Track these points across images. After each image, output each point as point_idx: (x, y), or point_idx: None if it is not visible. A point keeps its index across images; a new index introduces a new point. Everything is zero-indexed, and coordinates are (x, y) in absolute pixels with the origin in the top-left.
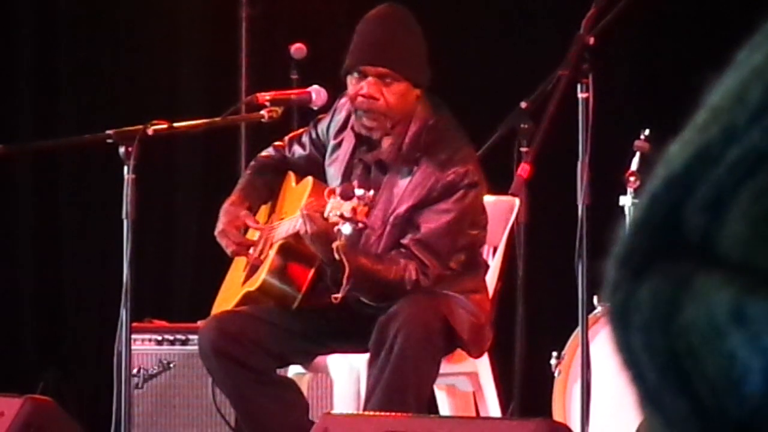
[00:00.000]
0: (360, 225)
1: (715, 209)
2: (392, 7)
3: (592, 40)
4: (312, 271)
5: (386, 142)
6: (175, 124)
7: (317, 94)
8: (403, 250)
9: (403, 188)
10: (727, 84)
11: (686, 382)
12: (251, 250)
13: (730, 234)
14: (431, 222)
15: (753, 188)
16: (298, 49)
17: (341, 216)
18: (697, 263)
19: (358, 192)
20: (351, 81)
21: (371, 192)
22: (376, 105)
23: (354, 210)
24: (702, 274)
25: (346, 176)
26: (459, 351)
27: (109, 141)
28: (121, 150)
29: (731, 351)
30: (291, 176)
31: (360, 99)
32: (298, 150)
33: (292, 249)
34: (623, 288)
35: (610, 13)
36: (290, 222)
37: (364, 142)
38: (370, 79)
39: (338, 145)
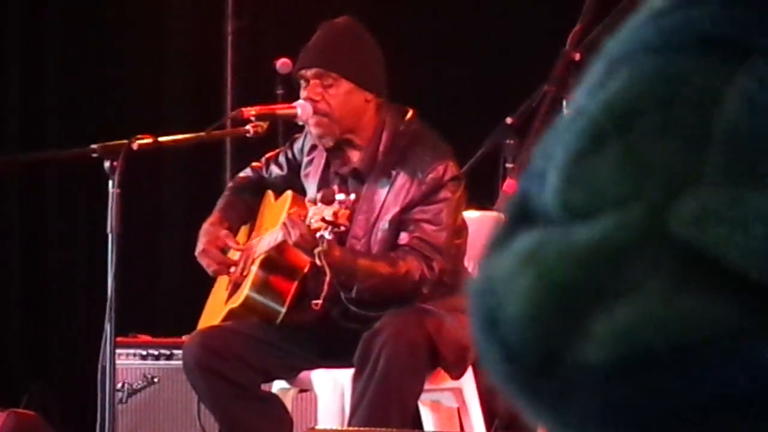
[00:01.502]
0: (342, 228)
1: (542, 176)
2: (342, 18)
3: (578, 56)
4: (295, 283)
5: (355, 155)
6: (161, 139)
7: (303, 109)
8: (405, 248)
9: (385, 195)
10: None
11: (496, 329)
12: (233, 269)
13: (549, 189)
14: (426, 219)
15: (563, 142)
16: (283, 64)
17: (323, 220)
18: (526, 228)
19: (339, 197)
20: (300, 93)
21: (352, 196)
22: (317, 106)
23: (335, 214)
24: (519, 233)
25: (325, 189)
26: (440, 372)
27: (95, 155)
28: (106, 164)
29: (523, 289)
30: (270, 194)
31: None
32: (275, 170)
33: (274, 262)
34: (475, 275)
35: (595, 28)
36: (271, 235)
37: (335, 157)
38: (310, 83)
39: (310, 162)
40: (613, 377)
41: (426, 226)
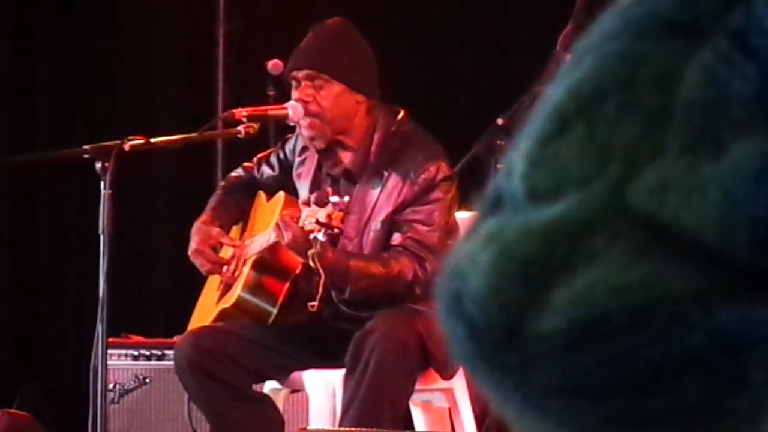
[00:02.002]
0: (336, 230)
1: (511, 169)
2: (334, 20)
3: (568, 57)
4: (287, 284)
5: (346, 156)
6: (152, 140)
7: (294, 110)
8: (399, 248)
9: (377, 196)
10: None
11: (460, 306)
12: (224, 269)
13: (515, 176)
14: (419, 219)
15: (530, 131)
16: (275, 65)
17: (317, 222)
18: (490, 216)
19: (333, 199)
20: (292, 94)
21: (346, 198)
22: (308, 108)
23: (329, 216)
24: (488, 218)
25: (314, 192)
26: (431, 372)
27: (86, 156)
28: (98, 165)
29: (484, 265)
30: (262, 194)
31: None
32: (266, 170)
33: (266, 263)
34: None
35: (586, 29)
36: (264, 236)
37: (327, 158)
38: (302, 84)
39: (302, 162)
40: (571, 345)
41: (418, 226)
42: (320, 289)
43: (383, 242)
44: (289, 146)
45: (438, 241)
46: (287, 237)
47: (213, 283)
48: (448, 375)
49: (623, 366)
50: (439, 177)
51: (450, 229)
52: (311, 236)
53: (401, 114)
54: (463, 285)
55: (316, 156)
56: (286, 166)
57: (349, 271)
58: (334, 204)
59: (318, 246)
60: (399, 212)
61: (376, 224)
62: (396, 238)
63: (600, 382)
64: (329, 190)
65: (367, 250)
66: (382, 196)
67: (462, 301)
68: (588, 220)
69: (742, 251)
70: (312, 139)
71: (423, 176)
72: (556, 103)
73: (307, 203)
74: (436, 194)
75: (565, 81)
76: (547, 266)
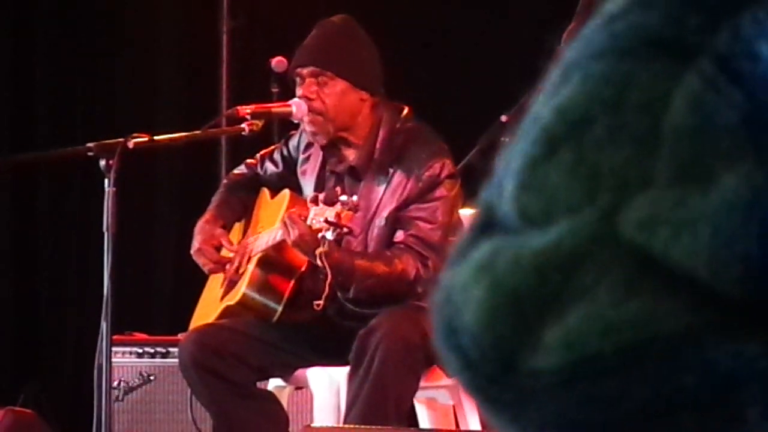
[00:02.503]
0: (345, 230)
1: (500, 183)
2: (338, 17)
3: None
4: (292, 282)
5: (350, 153)
6: (156, 137)
7: (298, 107)
8: (401, 246)
9: (382, 193)
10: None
11: (454, 338)
12: (228, 266)
13: (505, 197)
14: (422, 217)
15: (518, 149)
16: (279, 62)
17: (326, 221)
18: (483, 237)
19: (342, 198)
20: (296, 91)
21: (355, 197)
22: (312, 105)
23: (338, 215)
24: (479, 243)
25: (319, 189)
26: (436, 369)
27: (90, 154)
28: (102, 163)
29: (477, 297)
30: (266, 191)
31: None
32: (270, 167)
33: (271, 261)
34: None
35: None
36: (269, 234)
37: (331, 155)
38: (306, 81)
39: (307, 159)
40: (564, 383)
41: (421, 224)
42: (326, 288)
43: (387, 239)
44: (292, 143)
45: (441, 239)
46: (294, 235)
47: (216, 280)
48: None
49: (616, 405)
50: (443, 174)
51: (454, 226)
52: (319, 235)
53: (405, 111)
54: (456, 316)
55: (321, 153)
56: (289, 163)
57: (354, 270)
58: (343, 203)
59: (326, 245)
60: (403, 209)
61: (380, 221)
62: (399, 236)
63: (594, 419)
64: (338, 189)
65: (371, 246)
66: (387, 193)
67: (456, 332)
68: (578, 251)
69: (734, 287)
70: (314, 135)
71: (427, 173)
72: (544, 122)
73: (315, 201)
74: (440, 192)
75: (552, 99)
76: (540, 301)
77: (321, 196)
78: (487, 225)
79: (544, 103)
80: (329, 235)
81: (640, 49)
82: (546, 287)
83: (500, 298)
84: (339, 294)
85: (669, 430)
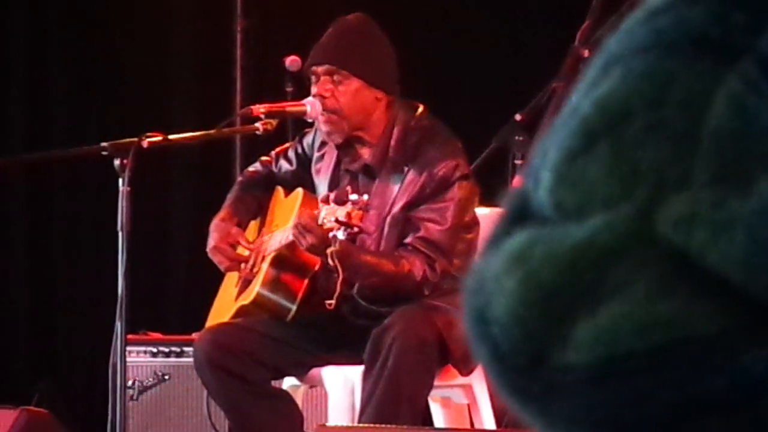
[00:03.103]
0: (355, 229)
1: (537, 173)
2: (354, 15)
3: (586, 53)
4: (306, 281)
5: (365, 152)
6: (170, 137)
7: (312, 106)
8: (409, 248)
9: (396, 192)
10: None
11: (485, 328)
12: (243, 265)
13: (542, 188)
14: (431, 218)
15: (556, 141)
16: (293, 61)
17: (336, 221)
18: (521, 227)
19: (353, 197)
20: (311, 90)
21: (365, 196)
22: (326, 103)
23: (349, 215)
24: (513, 232)
25: (333, 187)
26: (450, 368)
27: (104, 153)
28: (116, 162)
29: (510, 289)
30: (280, 190)
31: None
32: (284, 165)
33: (285, 260)
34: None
35: (604, 25)
36: (282, 233)
37: (345, 154)
38: (321, 79)
39: (321, 158)
40: (595, 379)
41: (430, 225)
42: (338, 288)
43: (399, 237)
44: (307, 141)
45: (449, 241)
46: (305, 243)
47: (231, 279)
48: (467, 371)
49: (646, 405)
50: (456, 175)
51: (468, 224)
52: (330, 234)
53: (420, 109)
54: (487, 306)
55: (335, 152)
56: (304, 161)
57: (360, 266)
58: (354, 202)
59: (337, 245)
60: (413, 208)
61: (393, 219)
62: (408, 238)
63: (623, 418)
64: (348, 188)
65: (384, 245)
66: (401, 192)
67: (487, 323)
68: (614, 247)
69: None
70: (329, 134)
71: (439, 174)
72: (583, 114)
73: (326, 201)
74: (451, 193)
75: (592, 91)
76: (572, 295)
77: (332, 196)
78: (520, 214)
79: (584, 95)
80: (340, 235)
81: (683, 46)
82: (579, 282)
83: (533, 291)
84: (339, 287)
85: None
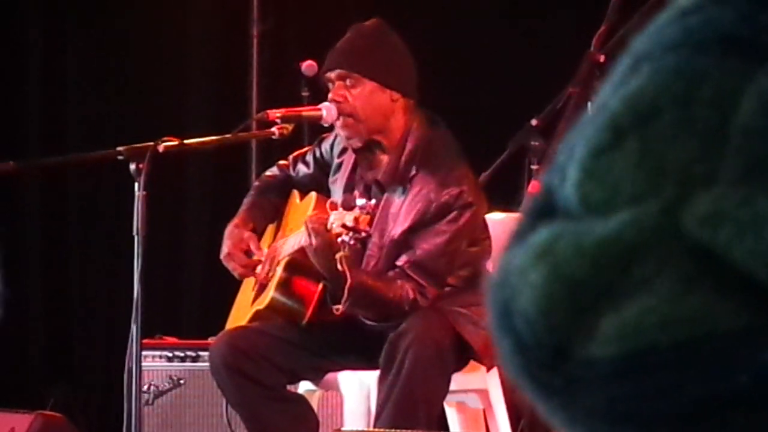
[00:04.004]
0: (363, 234)
1: (563, 168)
2: (370, 21)
3: (602, 58)
4: (320, 285)
5: (384, 159)
6: (186, 141)
7: (328, 111)
8: (403, 272)
9: (398, 209)
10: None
11: (509, 320)
12: (258, 269)
13: (569, 183)
14: (426, 243)
15: (584, 136)
16: (309, 66)
17: (344, 226)
18: (547, 221)
19: (359, 202)
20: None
21: (372, 201)
22: (342, 107)
23: (356, 219)
24: (539, 227)
25: (347, 195)
26: (471, 363)
27: (120, 158)
28: (132, 167)
29: (535, 282)
30: (295, 194)
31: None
32: (302, 169)
33: (298, 264)
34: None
35: (620, 30)
36: (295, 237)
37: (363, 159)
38: (335, 84)
39: (339, 166)
40: (617, 373)
41: (425, 251)
42: (345, 293)
43: (393, 258)
44: (325, 145)
45: (442, 269)
46: (314, 243)
47: (249, 284)
48: (489, 364)
49: (669, 399)
50: (458, 203)
51: (459, 255)
52: (339, 239)
53: (438, 124)
54: (512, 299)
55: (353, 159)
56: (322, 164)
57: (371, 293)
58: (361, 207)
59: (346, 249)
60: (412, 231)
61: (391, 240)
62: (402, 260)
63: (645, 412)
64: (356, 193)
65: (381, 263)
66: (403, 212)
67: (511, 315)
68: (639, 242)
69: None
70: (348, 138)
71: (442, 200)
72: (611, 111)
73: (335, 206)
74: (450, 220)
75: (621, 88)
76: (597, 289)
77: (339, 201)
78: (546, 209)
79: (613, 92)
80: (347, 239)
81: (713, 44)
82: (605, 276)
83: (558, 285)
84: (329, 301)
85: (718, 428)
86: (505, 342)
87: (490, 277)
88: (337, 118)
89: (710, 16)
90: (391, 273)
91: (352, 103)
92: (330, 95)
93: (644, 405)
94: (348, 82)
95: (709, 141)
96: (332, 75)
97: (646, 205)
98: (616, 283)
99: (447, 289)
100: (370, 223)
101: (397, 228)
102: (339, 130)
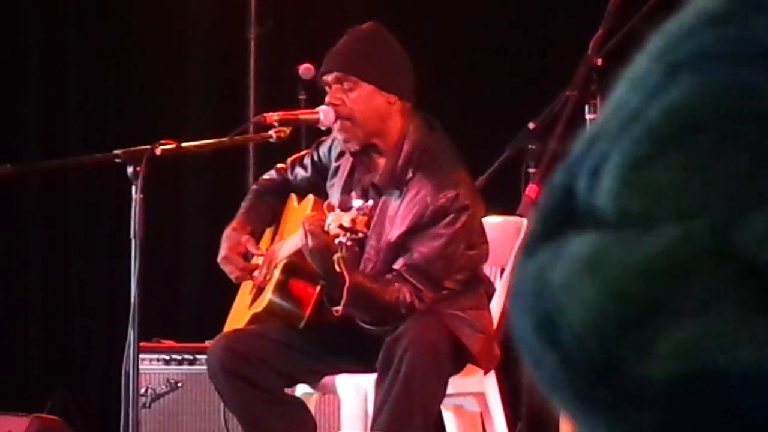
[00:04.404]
0: (360, 235)
1: (593, 175)
2: (367, 24)
3: (600, 61)
4: (317, 288)
5: (381, 162)
6: (183, 144)
7: (325, 114)
8: (399, 275)
9: (395, 212)
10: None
11: (554, 334)
12: (256, 273)
13: (604, 192)
14: (422, 247)
15: (621, 146)
16: (306, 69)
17: (341, 227)
18: (576, 228)
19: (356, 203)
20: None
21: (370, 202)
22: (338, 110)
23: (353, 221)
24: (575, 235)
25: (345, 196)
26: (468, 366)
27: (117, 161)
28: (129, 170)
29: (585, 297)
30: (293, 197)
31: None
32: (300, 172)
33: (296, 267)
34: (517, 270)
35: (618, 34)
36: (293, 240)
37: (361, 163)
38: (332, 88)
39: (336, 171)
40: (674, 392)
41: (422, 255)
42: (344, 294)
43: (390, 261)
44: (323, 149)
45: (439, 272)
46: (311, 244)
47: (247, 287)
48: (486, 367)
49: (728, 421)
50: (455, 207)
51: (456, 259)
52: (336, 240)
53: (435, 127)
54: (558, 313)
55: (349, 165)
56: (319, 168)
57: (368, 295)
58: (358, 209)
59: (343, 250)
60: (409, 235)
61: (388, 243)
62: (398, 263)
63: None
64: (353, 194)
65: (378, 266)
66: (399, 215)
67: (556, 329)
68: (691, 260)
69: None
70: (346, 141)
71: (438, 204)
72: (652, 122)
73: (331, 208)
74: (447, 224)
75: (659, 97)
76: (651, 306)
77: (336, 203)
78: (566, 213)
79: (648, 99)
80: (344, 239)
81: (756, 57)
82: (658, 294)
83: (611, 301)
84: (326, 302)
85: None
86: (548, 355)
87: (516, 283)
88: (335, 122)
89: (748, 27)
90: (388, 276)
91: (349, 106)
92: (327, 98)
93: (699, 426)
94: (345, 85)
95: (759, 158)
96: (329, 78)
97: (695, 222)
98: (669, 300)
99: (444, 292)
100: (367, 225)
101: (394, 231)
102: (336, 134)
